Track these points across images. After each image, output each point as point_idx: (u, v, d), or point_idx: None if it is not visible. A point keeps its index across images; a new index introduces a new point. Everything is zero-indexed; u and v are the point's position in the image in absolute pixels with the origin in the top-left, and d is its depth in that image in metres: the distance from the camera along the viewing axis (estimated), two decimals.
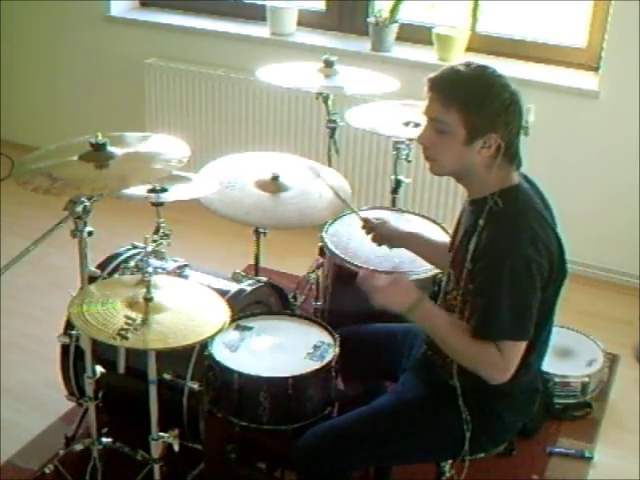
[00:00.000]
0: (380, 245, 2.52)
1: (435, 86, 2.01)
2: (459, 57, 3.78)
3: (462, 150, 1.99)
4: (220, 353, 2.30)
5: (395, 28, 3.89)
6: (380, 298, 2.08)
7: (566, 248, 2.06)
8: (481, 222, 2.01)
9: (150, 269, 2.17)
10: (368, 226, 2.53)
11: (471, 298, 2.03)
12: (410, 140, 3.06)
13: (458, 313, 2.08)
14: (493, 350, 1.96)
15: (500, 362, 1.97)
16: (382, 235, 2.49)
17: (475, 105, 1.96)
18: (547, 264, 1.97)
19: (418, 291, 2.08)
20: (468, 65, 2.02)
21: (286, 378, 2.20)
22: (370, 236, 2.52)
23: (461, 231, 2.14)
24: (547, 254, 1.97)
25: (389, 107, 3.21)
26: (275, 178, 2.78)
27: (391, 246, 2.52)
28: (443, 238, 2.69)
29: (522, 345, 1.98)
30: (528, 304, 1.97)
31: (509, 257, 1.94)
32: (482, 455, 2.17)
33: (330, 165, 3.31)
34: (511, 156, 2.03)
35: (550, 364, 2.87)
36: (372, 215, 2.62)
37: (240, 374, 2.22)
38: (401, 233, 2.49)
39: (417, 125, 3.02)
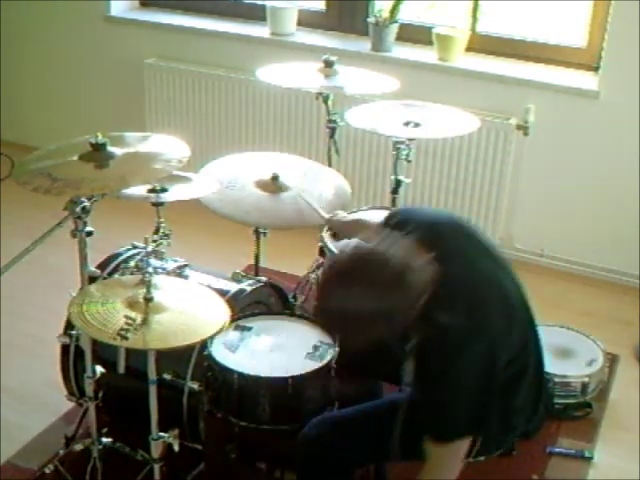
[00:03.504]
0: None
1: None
2: (459, 57, 3.79)
3: None
4: (220, 353, 2.30)
5: (395, 28, 3.88)
6: None
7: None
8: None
9: (150, 269, 2.17)
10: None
11: None
12: (410, 140, 3.06)
13: None
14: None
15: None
16: (333, 229, 2.54)
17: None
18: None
19: None
20: None
21: (286, 378, 2.20)
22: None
23: None
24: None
25: (389, 107, 3.21)
26: (275, 178, 2.79)
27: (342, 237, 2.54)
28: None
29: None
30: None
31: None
32: (482, 458, 2.17)
33: (330, 165, 3.31)
34: None
35: (550, 364, 2.87)
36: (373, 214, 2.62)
37: (240, 374, 2.22)
38: (345, 222, 2.49)
39: (417, 125, 3.03)
